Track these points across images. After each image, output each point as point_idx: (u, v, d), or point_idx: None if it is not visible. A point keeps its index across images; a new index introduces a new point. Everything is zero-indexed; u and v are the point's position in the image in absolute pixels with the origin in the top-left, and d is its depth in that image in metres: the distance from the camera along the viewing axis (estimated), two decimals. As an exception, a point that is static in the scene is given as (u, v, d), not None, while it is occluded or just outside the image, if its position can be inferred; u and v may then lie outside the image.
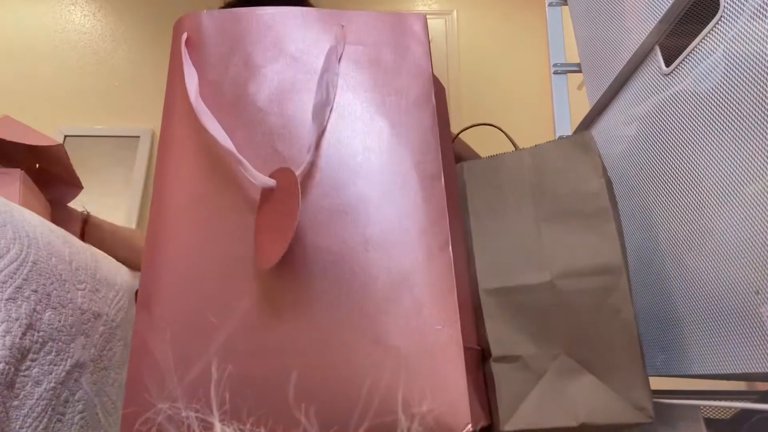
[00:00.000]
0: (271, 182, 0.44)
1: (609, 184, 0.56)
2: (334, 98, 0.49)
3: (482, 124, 0.76)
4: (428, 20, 0.57)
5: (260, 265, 0.43)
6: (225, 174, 0.46)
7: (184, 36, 0.52)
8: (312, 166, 0.46)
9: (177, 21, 0.53)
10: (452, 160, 0.57)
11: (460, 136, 0.79)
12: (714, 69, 0.54)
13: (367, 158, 0.47)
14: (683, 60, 0.60)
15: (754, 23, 0.49)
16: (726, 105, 0.53)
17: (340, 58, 0.50)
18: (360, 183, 0.46)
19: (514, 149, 0.64)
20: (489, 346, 0.52)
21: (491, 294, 0.54)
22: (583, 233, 0.54)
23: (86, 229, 0.88)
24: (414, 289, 0.43)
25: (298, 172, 0.44)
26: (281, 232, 0.42)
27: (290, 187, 0.43)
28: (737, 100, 0.51)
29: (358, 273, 0.44)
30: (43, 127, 1.00)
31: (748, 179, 0.50)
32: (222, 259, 0.45)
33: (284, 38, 0.51)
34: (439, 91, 0.56)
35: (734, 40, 0.51)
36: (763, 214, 0.48)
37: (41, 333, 0.56)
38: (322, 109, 0.48)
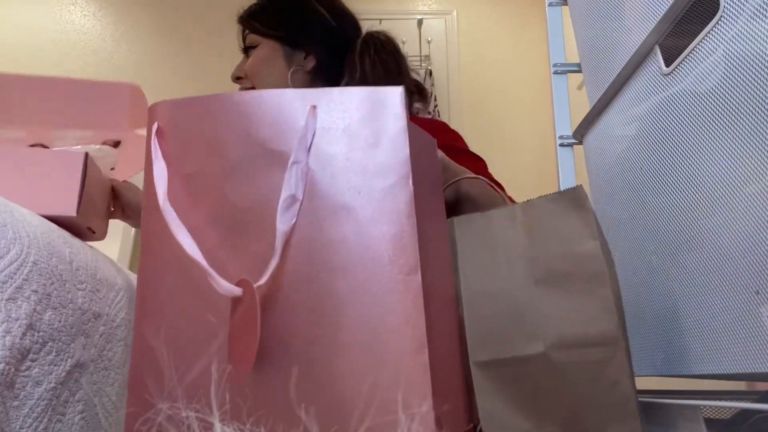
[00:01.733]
0: (237, 291, 0.43)
1: (604, 245, 0.54)
2: (303, 192, 0.46)
3: (471, 178, 0.72)
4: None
5: (235, 374, 0.45)
6: (199, 276, 0.45)
7: (155, 126, 0.50)
8: (281, 266, 0.44)
9: (150, 108, 0.51)
10: (441, 222, 0.56)
11: (470, 175, 0.74)
12: (714, 69, 0.54)
13: (339, 253, 0.45)
14: (683, 60, 0.59)
15: (754, 23, 0.49)
16: (726, 105, 0.53)
17: (309, 147, 0.48)
18: (331, 280, 0.44)
19: (502, 197, 0.62)
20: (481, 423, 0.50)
21: (482, 367, 0.51)
22: (577, 298, 0.51)
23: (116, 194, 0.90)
24: (387, 398, 0.41)
25: (266, 275, 0.43)
26: (247, 346, 0.42)
27: (251, 301, 0.42)
28: (737, 100, 0.51)
29: (328, 381, 0.43)
30: (43, 127, 1.01)
31: (748, 179, 0.50)
32: (193, 361, 0.46)
33: (255, 125, 0.48)
34: (426, 144, 0.54)
35: (734, 40, 0.51)
36: (763, 214, 0.48)
37: (41, 333, 0.56)
38: (291, 205, 0.46)
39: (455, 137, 0.90)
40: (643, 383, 0.75)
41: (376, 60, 0.91)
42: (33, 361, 0.55)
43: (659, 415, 0.61)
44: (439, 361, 0.45)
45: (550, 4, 1.05)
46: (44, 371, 0.56)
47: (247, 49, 0.94)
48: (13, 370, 0.51)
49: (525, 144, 2.63)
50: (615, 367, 0.48)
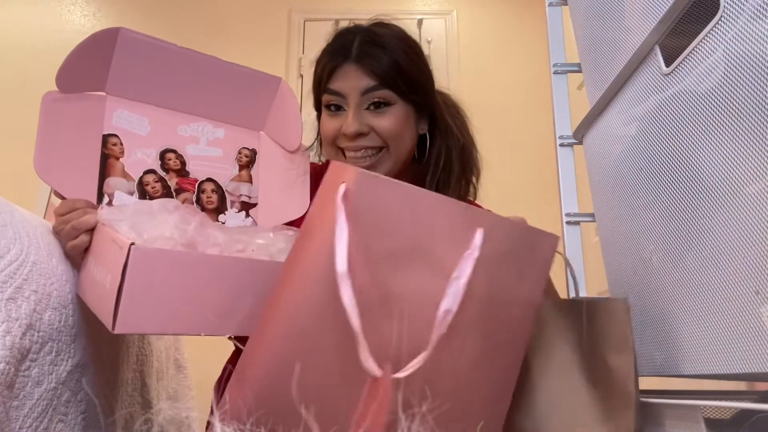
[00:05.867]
0: (378, 373, 0.46)
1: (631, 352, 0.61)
2: (458, 305, 0.49)
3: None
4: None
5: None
6: (341, 335, 0.46)
7: (343, 187, 0.47)
8: (423, 366, 0.47)
9: (333, 164, 0.51)
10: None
11: None
12: (714, 69, 0.54)
13: (461, 365, 0.51)
14: (683, 60, 0.60)
15: (754, 23, 0.49)
16: (726, 105, 0.53)
17: (474, 266, 0.50)
18: (446, 382, 0.50)
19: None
20: None
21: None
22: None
23: None
24: None
25: (409, 370, 0.47)
26: (375, 419, 0.45)
27: (386, 386, 0.46)
28: (737, 100, 0.51)
29: None
30: (44, 127, 0.99)
31: (748, 179, 0.50)
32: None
33: (426, 221, 0.50)
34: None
35: (734, 40, 0.51)
36: (763, 214, 0.48)
37: (41, 333, 0.56)
38: (445, 317, 0.49)
39: None
40: (643, 383, 0.75)
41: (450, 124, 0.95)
42: (33, 361, 0.55)
43: (659, 415, 0.61)
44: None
45: (550, 4, 1.05)
46: (44, 371, 0.56)
47: (378, 104, 0.84)
48: (13, 370, 0.50)
49: (525, 144, 2.62)
50: None
